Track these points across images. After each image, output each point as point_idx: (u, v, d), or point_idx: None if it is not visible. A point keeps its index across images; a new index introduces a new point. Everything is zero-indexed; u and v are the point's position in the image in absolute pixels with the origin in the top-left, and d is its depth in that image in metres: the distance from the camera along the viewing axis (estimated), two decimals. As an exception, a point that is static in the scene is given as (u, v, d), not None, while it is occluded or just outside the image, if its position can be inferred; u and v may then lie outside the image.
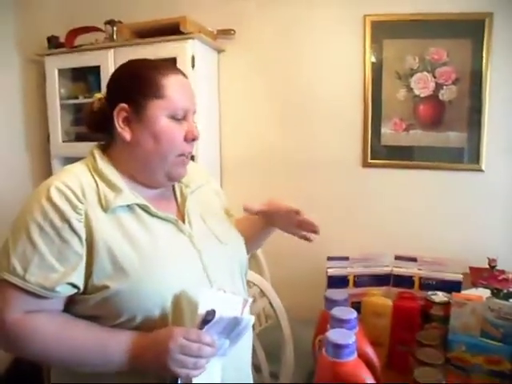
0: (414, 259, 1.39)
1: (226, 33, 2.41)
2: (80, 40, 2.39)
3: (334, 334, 0.81)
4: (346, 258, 1.42)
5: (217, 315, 0.81)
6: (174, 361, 0.81)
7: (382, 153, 2.29)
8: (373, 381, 0.82)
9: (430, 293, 1.26)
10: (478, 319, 1.11)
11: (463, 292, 1.25)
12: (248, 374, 1.10)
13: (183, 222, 1.01)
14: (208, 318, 0.82)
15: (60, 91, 2.43)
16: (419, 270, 1.35)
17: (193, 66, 2.16)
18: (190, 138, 0.98)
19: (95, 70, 2.25)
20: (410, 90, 2.19)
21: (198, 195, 1.11)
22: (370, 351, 0.93)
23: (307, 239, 1.12)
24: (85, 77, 2.46)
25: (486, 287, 1.40)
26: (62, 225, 0.86)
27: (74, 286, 0.86)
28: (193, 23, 2.17)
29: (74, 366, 0.90)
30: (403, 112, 2.22)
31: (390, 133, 2.25)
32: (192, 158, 1.07)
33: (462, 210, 2.18)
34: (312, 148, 2.39)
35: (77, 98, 2.47)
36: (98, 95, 1.04)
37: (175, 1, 2.46)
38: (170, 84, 0.96)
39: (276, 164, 2.46)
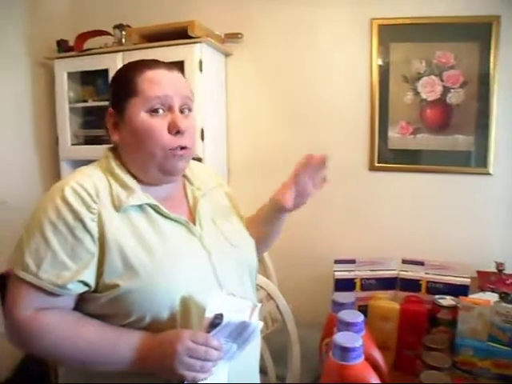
0: (421, 263, 1.38)
1: (234, 36, 2.42)
2: (89, 44, 2.41)
3: (342, 337, 0.81)
4: (353, 262, 1.41)
5: (225, 319, 0.81)
6: (181, 363, 0.82)
7: (388, 156, 2.28)
8: (380, 384, 0.82)
9: (437, 297, 1.26)
10: (485, 323, 1.11)
11: (471, 296, 1.25)
12: (255, 379, 1.10)
13: (194, 224, 1.02)
14: (216, 322, 0.82)
15: (69, 94, 2.45)
16: (426, 273, 1.35)
17: (201, 69, 2.17)
18: (173, 130, 0.95)
19: (104, 74, 2.27)
20: (417, 93, 2.19)
21: (209, 198, 1.11)
22: (377, 354, 0.93)
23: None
24: (93, 80, 2.49)
25: (493, 291, 1.39)
26: (76, 224, 0.87)
27: (86, 284, 0.88)
28: (201, 27, 2.18)
29: (83, 364, 0.91)
30: (410, 115, 2.22)
31: (397, 136, 2.25)
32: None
33: (470, 213, 2.17)
34: (318, 151, 2.38)
35: (85, 101, 2.50)
36: None
37: (183, 5, 2.48)
38: (144, 79, 0.95)
39: (283, 166, 2.43)
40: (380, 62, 2.25)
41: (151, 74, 0.96)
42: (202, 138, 2.20)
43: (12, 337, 0.90)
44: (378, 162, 2.30)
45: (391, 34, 2.22)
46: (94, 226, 0.88)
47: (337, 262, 1.42)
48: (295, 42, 2.37)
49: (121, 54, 2.26)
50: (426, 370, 1.06)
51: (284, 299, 1.67)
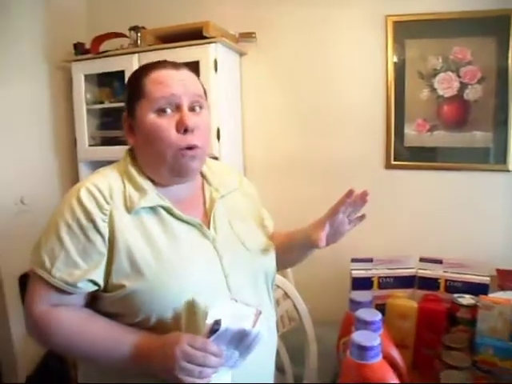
0: (439, 261, 1.37)
1: (248, 36, 2.43)
2: (105, 46, 2.44)
3: (360, 336, 0.81)
4: (371, 260, 1.41)
5: (223, 325, 0.81)
6: (180, 368, 0.82)
7: (405, 154, 2.26)
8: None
9: (456, 295, 1.25)
10: (505, 322, 1.09)
11: (490, 295, 1.23)
12: (269, 379, 1.09)
13: (209, 226, 1.01)
14: (215, 328, 0.81)
15: (86, 96, 2.49)
16: (445, 272, 1.34)
17: (215, 69, 2.18)
18: (181, 129, 0.93)
19: (120, 75, 2.29)
20: (433, 90, 2.17)
21: (228, 200, 1.10)
22: (395, 353, 0.92)
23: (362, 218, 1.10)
24: (110, 82, 2.52)
25: (513, 290, 1.37)
26: (88, 224, 0.89)
27: (95, 283, 0.90)
28: (215, 27, 2.19)
29: (89, 358, 0.94)
30: (427, 112, 2.19)
31: (414, 134, 2.23)
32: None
33: (488, 211, 2.14)
34: (334, 149, 2.38)
35: (102, 102, 2.53)
36: None
37: (197, 5, 2.49)
38: (150, 81, 0.96)
39: (299, 166, 2.46)
40: (395, 59, 2.22)
41: (157, 75, 0.97)
42: (218, 138, 2.21)
43: (30, 331, 0.94)
44: (395, 160, 2.28)
45: (406, 30, 2.20)
46: (104, 227, 0.90)
47: (354, 260, 1.42)
48: (309, 41, 2.36)
49: (136, 55, 2.28)
50: (445, 370, 1.05)
51: (301, 298, 1.67)
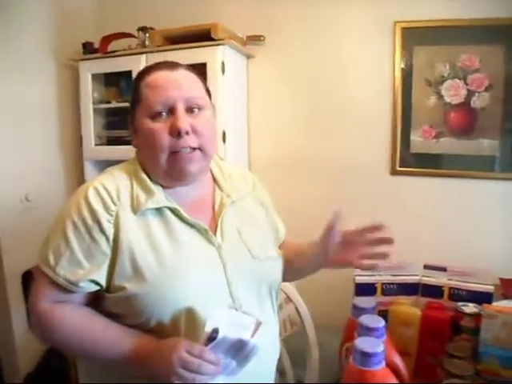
0: (443, 269, 1.37)
1: (256, 39, 2.43)
2: (113, 46, 2.45)
3: (363, 342, 0.80)
4: (374, 266, 1.40)
5: (220, 334, 0.80)
6: (175, 373, 0.82)
7: (410, 160, 2.26)
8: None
9: (460, 304, 1.24)
10: (509, 332, 1.09)
11: (494, 303, 1.23)
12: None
13: (215, 232, 1.00)
14: (212, 336, 0.81)
15: (93, 95, 2.49)
16: (449, 280, 1.33)
17: (223, 71, 2.18)
18: (174, 133, 0.92)
19: (127, 75, 2.29)
20: (440, 97, 2.16)
21: (238, 205, 1.08)
22: (398, 360, 0.92)
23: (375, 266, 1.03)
24: (117, 82, 2.52)
25: (518, 299, 1.36)
26: (93, 224, 0.90)
27: (97, 283, 0.90)
28: (224, 29, 2.19)
29: (88, 356, 0.96)
30: (433, 119, 2.19)
31: (420, 140, 2.22)
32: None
33: (494, 219, 2.13)
34: (340, 154, 2.38)
35: (109, 102, 2.53)
36: None
37: (206, 7, 2.49)
38: (144, 85, 0.97)
39: (304, 169, 2.45)
40: (403, 66, 2.22)
41: (150, 79, 0.97)
42: (224, 140, 2.21)
43: (32, 326, 0.95)
44: (400, 166, 2.27)
45: (415, 37, 2.19)
46: (109, 227, 0.90)
47: (357, 266, 1.41)
48: (317, 44, 2.37)
49: (144, 55, 2.28)
50: (448, 378, 1.04)
51: (303, 302, 1.67)
